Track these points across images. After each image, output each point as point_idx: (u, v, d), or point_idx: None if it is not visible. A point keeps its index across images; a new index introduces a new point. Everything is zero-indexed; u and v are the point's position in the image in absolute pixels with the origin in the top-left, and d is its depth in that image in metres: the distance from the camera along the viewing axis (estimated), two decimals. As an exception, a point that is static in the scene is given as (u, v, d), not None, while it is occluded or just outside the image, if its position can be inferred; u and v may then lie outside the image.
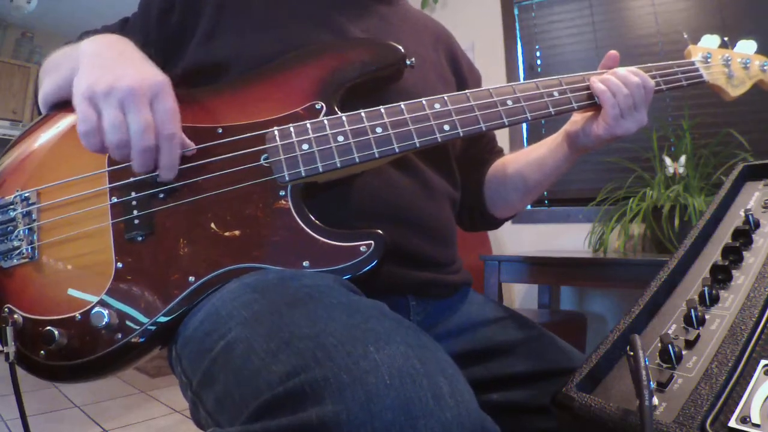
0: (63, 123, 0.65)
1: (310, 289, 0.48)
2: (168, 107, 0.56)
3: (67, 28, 3.87)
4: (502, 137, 2.40)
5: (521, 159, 0.85)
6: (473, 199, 0.89)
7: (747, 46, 0.84)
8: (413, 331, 0.43)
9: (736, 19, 1.95)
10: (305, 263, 0.56)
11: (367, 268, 0.56)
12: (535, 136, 2.42)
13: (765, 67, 0.82)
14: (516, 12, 2.49)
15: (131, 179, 0.59)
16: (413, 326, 0.45)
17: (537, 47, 2.45)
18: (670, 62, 0.78)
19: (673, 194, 1.70)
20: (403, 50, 0.67)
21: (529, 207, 2.38)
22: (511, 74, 2.46)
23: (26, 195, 0.61)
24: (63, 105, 0.66)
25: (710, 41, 0.83)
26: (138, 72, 0.56)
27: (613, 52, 0.77)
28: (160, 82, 0.56)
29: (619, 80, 0.70)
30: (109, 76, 0.54)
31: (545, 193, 2.36)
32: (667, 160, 1.80)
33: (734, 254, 0.54)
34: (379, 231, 0.58)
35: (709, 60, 0.80)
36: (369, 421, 0.34)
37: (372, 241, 0.57)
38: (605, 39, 2.24)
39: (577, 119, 0.76)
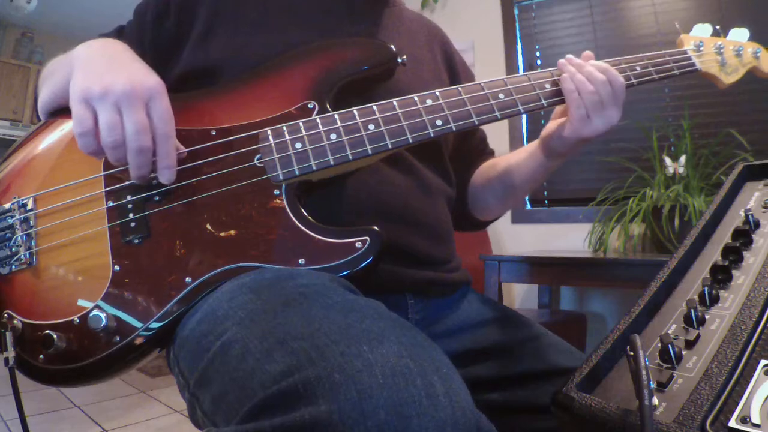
0: (59, 130, 0.66)
1: (306, 289, 0.47)
2: (163, 109, 0.56)
3: (67, 29, 3.88)
4: (502, 134, 2.40)
5: (502, 163, 0.85)
6: (458, 199, 0.88)
7: (739, 34, 0.83)
8: (409, 330, 0.43)
9: (736, 19, 1.95)
10: (301, 261, 0.56)
11: (363, 264, 0.56)
12: (535, 135, 2.41)
13: (758, 54, 0.82)
14: (516, 12, 2.49)
15: (127, 182, 0.59)
16: (409, 325, 0.45)
17: (537, 47, 2.45)
18: (662, 52, 0.77)
19: (673, 194, 1.70)
20: (394, 48, 0.67)
21: (529, 207, 2.38)
22: (511, 74, 2.45)
23: (23, 201, 0.61)
24: (61, 112, 0.67)
25: (702, 30, 0.83)
26: (133, 74, 0.56)
27: (587, 52, 0.74)
28: (155, 85, 0.56)
29: (584, 77, 0.68)
30: (104, 78, 0.55)
31: (545, 192, 2.36)
32: (667, 160, 1.80)
33: (734, 254, 0.54)
34: (375, 227, 0.58)
35: (701, 48, 0.80)
36: (362, 420, 0.34)
37: (367, 237, 0.57)
38: (605, 39, 2.24)
39: (550, 124, 0.75)
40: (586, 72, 0.69)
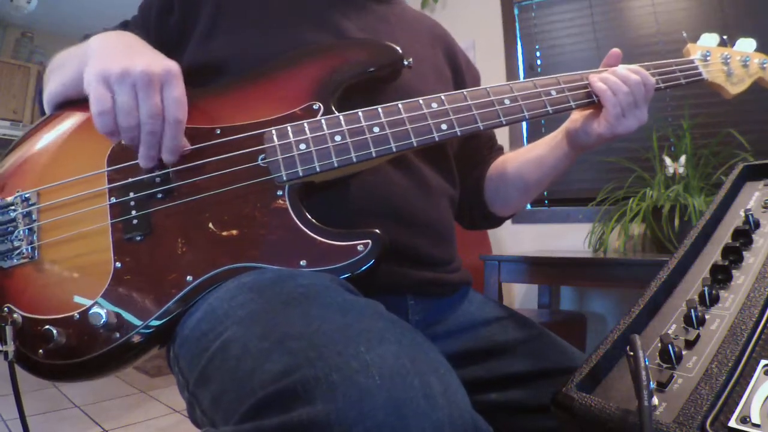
0: (64, 124, 0.66)
1: (306, 289, 0.48)
2: (177, 94, 0.56)
3: (67, 28, 3.88)
4: (502, 135, 2.40)
5: (521, 157, 0.85)
6: (473, 197, 0.89)
7: (746, 44, 0.84)
8: (407, 331, 0.43)
9: (737, 18, 1.95)
10: (302, 262, 0.56)
11: (365, 267, 0.56)
12: (535, 135, 2.42)
13: (764, 65, 0.82)
14: (516, 12, 2.49)
15: (130, 179, 0.60)
16: (408, 326, 0.45)
17: (537, 47, 2.44)
18: (669, 61, 0.78)
19: (673, 194, 1.70)
20: (400, 51, 0.67)
21: (529, 207, 2.38)
22: (511, 74, 2.46)
23: (26, 195, 0.61)
24: (68, 105, 0.66)
25: (709, 39, 0.83)
26: (150, 58, 0.57)
27: (615, 50, 0.76)
28: (172, 69, 0.57)
29: (619, 79, 0.70)
30: (122, 60, 0.55)
31: (545, 192, 2.36)
32: (667, 160, 1.80)
33: (734, 254, 0.54)
34: (377, 230, 0.58)
35: (708, 58, 0.80)
36: (360, 420, 0.34)
37: (369, 241, 0.57)
38: (605, 39, 2.24)
39: (576, 118, 0.76)
40: (621, 74, 0.71)
